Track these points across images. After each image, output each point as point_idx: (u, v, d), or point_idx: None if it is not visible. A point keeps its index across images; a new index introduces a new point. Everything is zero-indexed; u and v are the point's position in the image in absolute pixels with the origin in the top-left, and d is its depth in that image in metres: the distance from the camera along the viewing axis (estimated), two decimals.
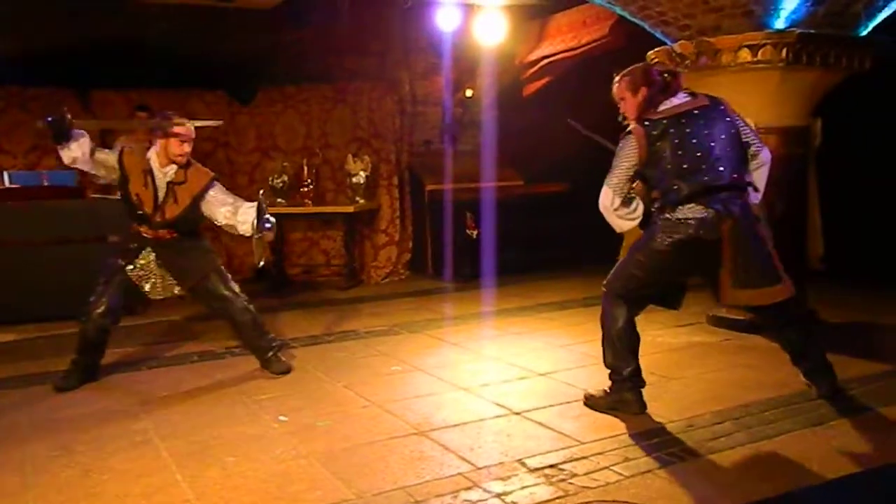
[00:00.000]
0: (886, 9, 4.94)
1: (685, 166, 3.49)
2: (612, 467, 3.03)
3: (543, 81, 8.17)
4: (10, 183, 6.15)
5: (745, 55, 4.84)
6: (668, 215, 3.52)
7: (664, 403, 3.77)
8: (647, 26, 5.49)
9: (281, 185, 7.47)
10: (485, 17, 7.52)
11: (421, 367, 4.56)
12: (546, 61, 7.99)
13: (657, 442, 3.29)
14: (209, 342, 5.25)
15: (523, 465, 3.08)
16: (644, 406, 3.67)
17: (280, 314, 6.21)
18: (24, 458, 3.27)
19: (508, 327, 5.59)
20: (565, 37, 7.80)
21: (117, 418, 3.75)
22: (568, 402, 3.82)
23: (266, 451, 3.29)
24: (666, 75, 3.66)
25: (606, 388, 3.74)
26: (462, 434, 3.45)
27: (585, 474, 2.97)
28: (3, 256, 5.85)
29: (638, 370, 3.69)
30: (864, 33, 5.01)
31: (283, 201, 7.46)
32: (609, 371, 3.72)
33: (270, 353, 4.54)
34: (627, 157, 3.57)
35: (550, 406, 3.79)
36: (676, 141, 3.50)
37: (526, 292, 6.91)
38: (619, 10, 5.63)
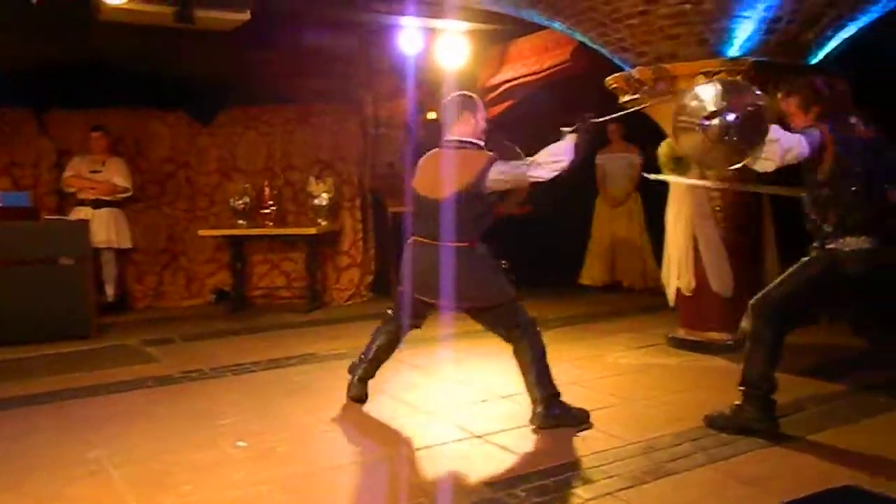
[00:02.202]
0: (835, 38, 5.10)
1: (853, 189, 3.36)
2: (572, 490, 3.04)
3: (506, 104, 8.26)
4: None
5: (701, 82, 4.93)
6: (834, 245, 3.44)
7: (625, 425, 3.79)
8: (606, 52, 5.59)
9: (242, 206, 7.41)
10: (447, 40, 7.59)
11: (383, 391, 4.52)
12: (508, 85, 8.09)
13: (617, 464, 3.30)
14: (165, 367, 5.15)
15: (486, 487, 3.07)
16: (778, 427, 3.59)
17: (240, 337, 6.12)
18: None
19: (471, 349, 5.56)
20: (527, 61, 7.91)
21: (71, 446, 3.65)
22: (528, 425, 3.81)
23: (224, 477, 3.23)
24: (832, 88, 3.52)
25: (738, 402, 3.64)
26: (424, 458, 3.43)
27: (546, 497, 2.97)
28: None
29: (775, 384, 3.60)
30: (815, 61, 5.17)
31: (244, 223, 7.41)
32: (748, 385, 3.61)
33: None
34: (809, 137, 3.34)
35: (512, 429, 3.78)
36: (859, 165, 3.36)
37: None
38: (579, 36, 5.73)
